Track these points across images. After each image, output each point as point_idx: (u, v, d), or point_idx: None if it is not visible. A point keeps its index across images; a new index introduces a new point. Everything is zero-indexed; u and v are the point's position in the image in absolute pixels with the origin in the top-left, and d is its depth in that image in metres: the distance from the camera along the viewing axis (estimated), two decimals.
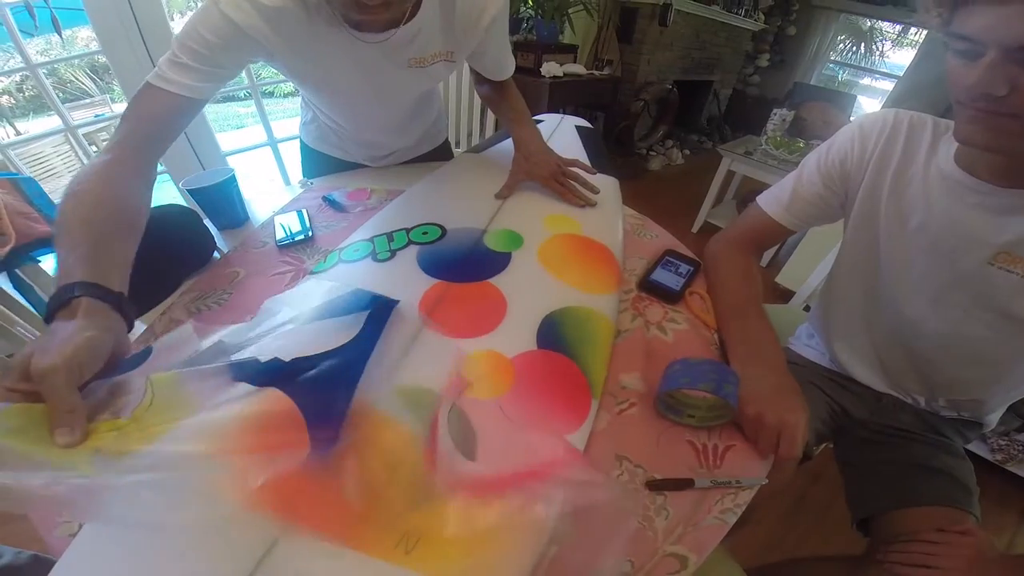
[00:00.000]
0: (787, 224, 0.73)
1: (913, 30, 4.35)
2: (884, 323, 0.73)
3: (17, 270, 0.97)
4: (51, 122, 3.81)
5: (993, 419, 0.77)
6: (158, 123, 0.60)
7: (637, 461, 0.50)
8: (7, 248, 0.92)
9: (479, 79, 0.98)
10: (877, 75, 4.88)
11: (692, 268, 0.76)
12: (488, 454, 0.46)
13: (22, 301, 1.02)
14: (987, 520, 0.67)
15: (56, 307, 0.41)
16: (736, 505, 0.47)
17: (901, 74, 4.22)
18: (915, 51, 4.05)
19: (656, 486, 0.47)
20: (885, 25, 4.58)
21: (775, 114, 2.40)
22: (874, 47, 4.73)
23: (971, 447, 0.79)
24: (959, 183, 0.58)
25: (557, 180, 0.87)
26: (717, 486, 0.48)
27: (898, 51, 4.71)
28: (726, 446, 0.52)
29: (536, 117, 1.20)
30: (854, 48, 4.84)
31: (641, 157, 3.76)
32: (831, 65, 5.00)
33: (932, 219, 0.61)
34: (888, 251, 0.67)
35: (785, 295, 1.17)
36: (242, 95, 4.75)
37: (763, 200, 0.76)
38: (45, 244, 0.98)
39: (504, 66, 0.90)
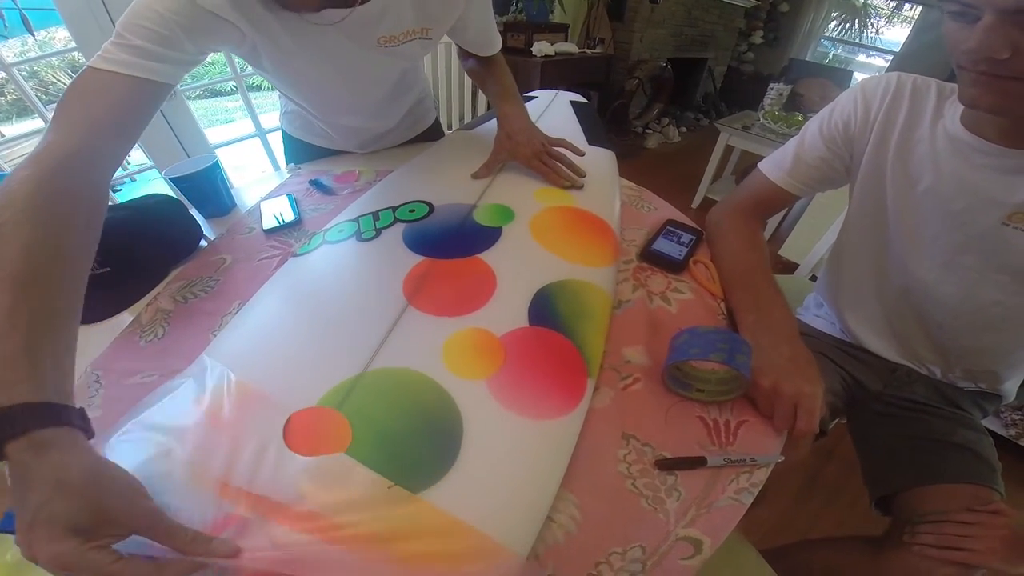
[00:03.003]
0: (790, 189, 0.71)
1: (908, 6, 4.29)
2: (895, 289, 0.71)
3: None
4: (34, 124, 3.75)
5: (1010, 390, 0.75)
6: (111, 115, 0.48)
7: (645, 439, 0.48)
8: None
9: (464, 53, 0.94)
10: (872, 51, 4.83)
11: (694, 237, 0.74)
12: (473, 440, 0.44)
13: None
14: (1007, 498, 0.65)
15: (9, 437, 0.29)
16: (752, 484, 0.45)
17: (897, 49, 4.18)
18: (910, 27, 4.00)
19: (666, 465, 0.45)
20: (879, 1, 4.54)
21: (772, 88, 2.40)
22: (868, 23, 4.67)
23: (984, 422, 0.76)
24: (967, 145, 0.56)
25: (540, 160, 0.82)
26: (731, 464, 0.46)
27: (892, 28, 4.67)
28: (739, 421, 0.50)
29: (529, 93, 1.17)
30: (848, 24, 4.77)
31: (637, 135, 3.72)
32: (825, 42, 4.94)
33: (941, 182, 0.59)
34: (896, 215, 0.65)
35: (789, 268, 1.14)
36: (228, 89, 4.68)
37: (764, 166, 0.74)
38: None
39: (489, 40, 0.86)
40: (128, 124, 0.50)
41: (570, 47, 2.74)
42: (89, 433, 0.34)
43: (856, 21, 4.72)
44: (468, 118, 1.67)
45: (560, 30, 2.84)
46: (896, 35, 4.58)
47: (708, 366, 0.51)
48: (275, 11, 0.59)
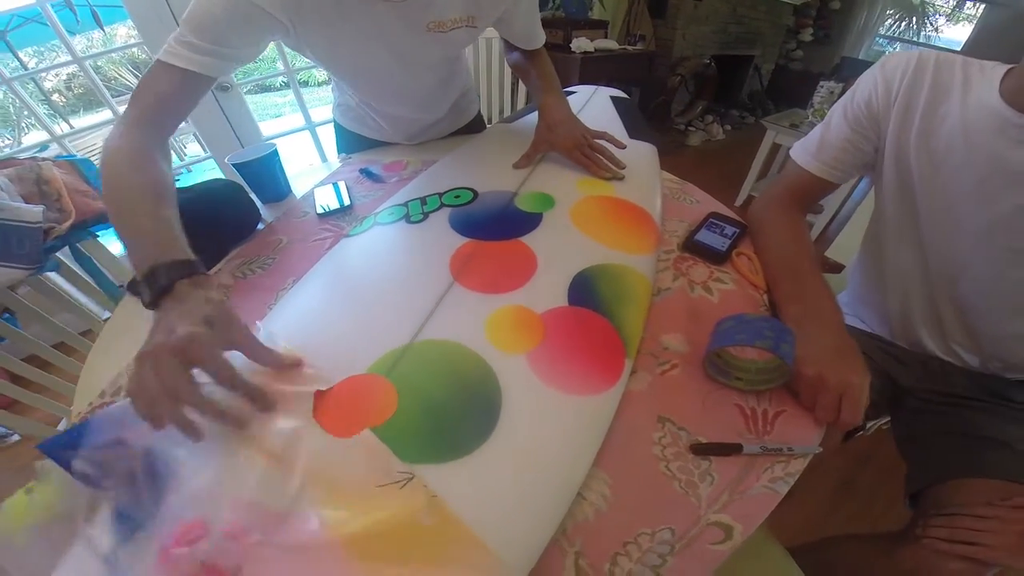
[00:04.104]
0: (820, 174, 0.70)
1: (969, 4, 4.04)
2: (927, 272, 0.68)
3: (78, 244, 1.02)
4: (99, 117, 4.00)
5: None
6: (169, 101, 0.59)
7: (681, 423, 0.48)
8: (68, 223, 0.97)
9: (509, 47, 0.96)
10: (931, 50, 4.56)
11: (738, 230, 0.73)
12: (511, 411, 0.45)
13: (80, 273, 1.09)
14: None
15: (160, 292, 0.43)
16: (787, 474, 0.44)
17: (959, 49, 3.93)
18: (972, 25, 3.77)
19: (701, 450, 0.45)
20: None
21: (822, 86, 2.31)
22: (927, 22, 4.42)
23: None
24: (1007, 120, 0.54)
25: (581, 151, 0.83)
26: (767, 453, 0.45)
27: (953, 26, 4.39)
28: (776, 411, 0.50)
29: (568, 88, 1.18)
30: (904, 22, 4.52)
31: (680, 132, 3.66)
32: (880, 39, 4.69)
33: (973, 158, 0.57)
34: (924, 194, 0.63)
35: (836, 269, 1.11)
36: (278, 84, 4.87)
37: (795, 153, 0.74)
38: (101, 220, 1.04)
39: (534, 34, 0.88)
40: (181, 106, 0.61)
41: (610, 43, 2.71)
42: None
43: (913, 19, 4.48)
44: (508, 112, 1.68)
45: (600, 26, 2.82)
46: (956, 33, 4.32)
47: (749, 354, 0.51)
48: None
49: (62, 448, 0.40)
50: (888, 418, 0.84)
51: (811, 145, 0.70)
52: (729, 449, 0.45)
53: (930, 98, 0.59)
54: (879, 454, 1.31)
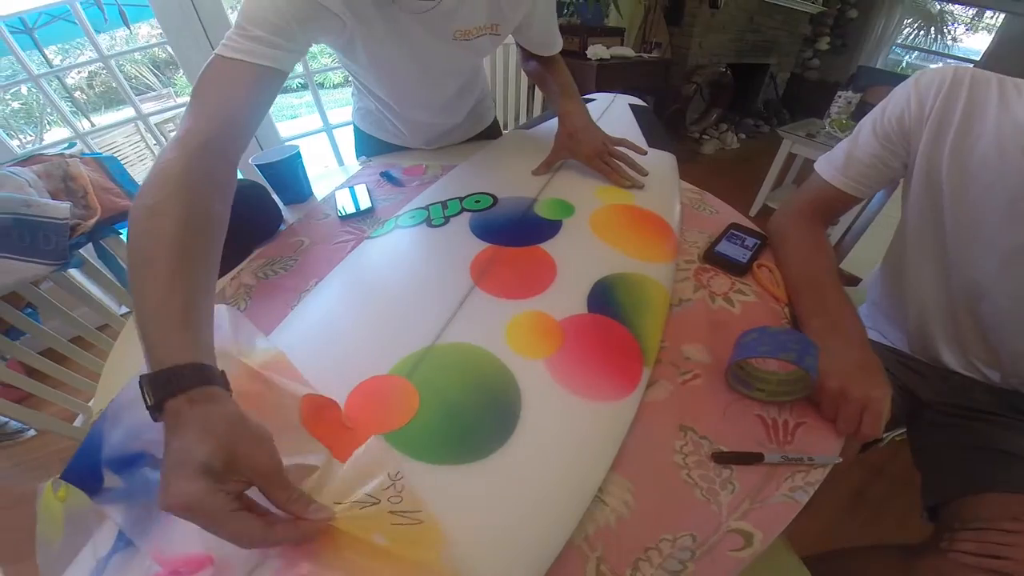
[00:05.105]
0: (845, 188, 0.69)
1: (989, 14, 3.99)
2: (947, 288, 0.68)
3: (101, 241, 1.04)
4: (120, 115, 4.08)
5: None
6: (240, 102, 0.51)
7: (702, 432, 0.48)
8: (93, 220, 0.99)
9: (526, 55, 0.96)
10: (949, 60, 4.49)
11: (759, 242, 0.73)
12: (530, 414, 0.46)
13: (103, 269, 1.11)
14: None
15: (167, 397, 0.33)
16: (807, 483, 0.45)
17: (977, 58, 3.88)
18: (991, 34, 3.72)
19: (723, 459, 0.45)
20: (957, 8, 4.22)
21: (840, 96, 2.30)
22: (945, 31, 4.37)
23: None
24: None
25: (602, 159, 0.83)
26: (788, 462, 0.45)
27: (972, 36, 4.34)
28: (797, 422, 0.50)
29: (587, 96, 1.18)
30: (922, 32, 4.48)
31: (694, 141, 3.64)
32: (897, 49, 4.65)
33: (1006, 176, 0.56)
34: (952, 211, 0.62)
35: (851, 281, 1.10)
36: (294, 86, 4.94)
37: (819, 166, 0.73)
38: (126, 218, 1.05)
39: (551, 40, 0.88)
40: (255, 107, 0.54)
41: (626, 51, 2.72)
42: (228, 390, 0.37)
43: (931, 28, 4.43)
44: (523, 119, 1.70)
45: (616, 34, 2.82)
46: (975, 43, 4.28)
47: (771, 366, 0.51)
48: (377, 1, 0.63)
49: (81, 473, 0.39)
50: (902, 430, 0.84)
51: (837, 160, 0.70)
52: (751, 458, 0.45)
53: (965, 115, 0.58)
54: (891, 466, 1.30)
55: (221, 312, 0.48)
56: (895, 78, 2.63)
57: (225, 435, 0.32)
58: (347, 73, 0.92)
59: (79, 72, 4.65)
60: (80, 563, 0.36)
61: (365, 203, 0.82)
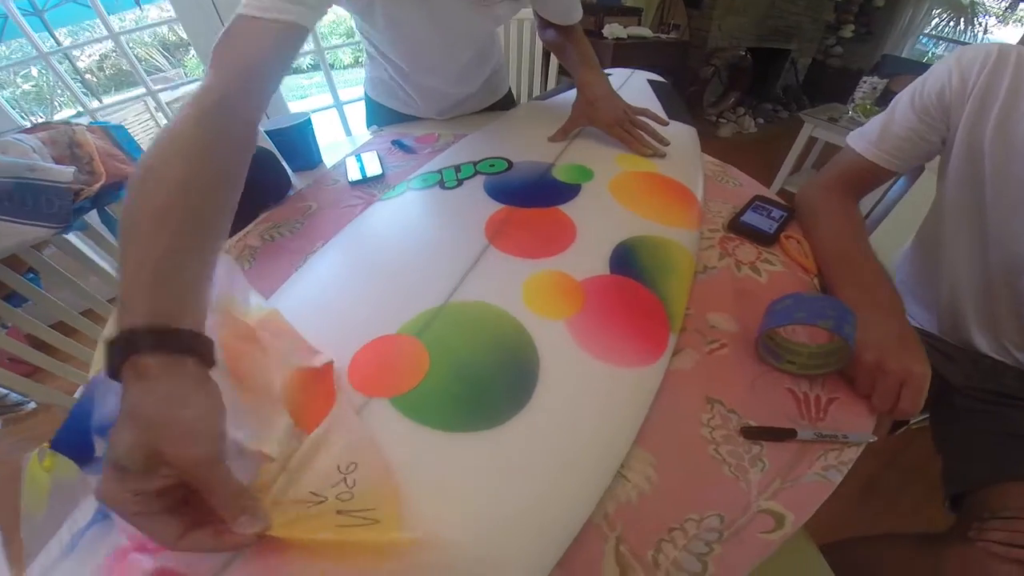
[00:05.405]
0: (879, 161, 0.67)
1: (1023, 6, 3.85)
2: (985, 265, 0.65)
3: (106, 207, 1.03)
4: (131, 95, 4.07)
5: None
6: (260, 58, 0.49)
7: (730, 405, 0.45)
8: (98, 185, 0.97)
9: (543, 24, 0.93)
10: None
11: (785, 214, 0.69)
12: (549, 378, 0.43)
13: (107, 236, 1.10)
14: None
15: (120, 363, 0.30)
16: (840, 462, 0.42)
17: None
18: None
19: (752, 434, 0.43)
20: (990, 0, 4.08)
21: (864, 82, 2.25)
22: (976, 22, 4.22)
23: None
24: None
25: (623, 127, 0.80)
26: (821, 440, 0.42)
27: (1003, 27, 4.19)
28: (829, 398, 0.46)
29: (605, 71, 1.14)
30: (952, 22, 4.33)
31: (711, 124, 3.56)
32: (924, 39, 4.51)
33: None
34: (995, 185, 0.60)
35: None
36: (304, 67, 4.92)
37: (852, 139, 0.71)
38: None
39: (572, 9, 0.85)
40: (274, 64, 0.51)
41: (643, 31, 2.66)
42: (206, 360, 0.33)
43: (961, 19, 4.28)
44: (537, 92, 1.66)
45: (633, 14, 2.77)
46: (1007, 35, 4.13)
47: (800, 337, 0.48)
48: None
49: (71, 441, 0.37)
50: (925, 415, 0.81)
51: (871, 133, 0.68)
52: (783, 434, 0.43)
53: (1011, 91, 0.57)
54: (904, 455, 1.27)
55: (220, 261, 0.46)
56: (921, 67, 2.53)
57: (150, 426, 0.28)
58: (358, 53, 0.90)
59: (89, 55, 4.64)
60: (60, 537, 0.34)
61: (375, 169, 0.79)
